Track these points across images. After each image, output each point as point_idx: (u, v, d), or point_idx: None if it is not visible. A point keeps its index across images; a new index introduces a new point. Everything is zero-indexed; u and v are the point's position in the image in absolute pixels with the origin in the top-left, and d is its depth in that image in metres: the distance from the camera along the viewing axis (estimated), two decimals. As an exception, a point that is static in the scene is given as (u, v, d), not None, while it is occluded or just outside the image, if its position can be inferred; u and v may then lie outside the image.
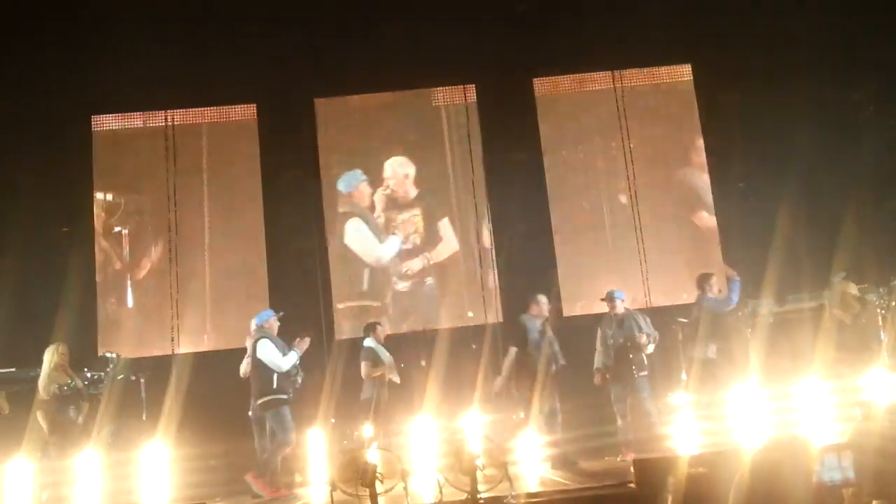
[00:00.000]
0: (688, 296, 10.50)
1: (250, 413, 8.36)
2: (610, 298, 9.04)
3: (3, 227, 10.11)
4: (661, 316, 10.54)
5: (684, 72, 11.62)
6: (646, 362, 8.81)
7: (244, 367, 8.37)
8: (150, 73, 10.50)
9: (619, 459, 8.51)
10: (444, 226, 11.43)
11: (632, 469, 6.05)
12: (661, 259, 11.17)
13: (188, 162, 11.25)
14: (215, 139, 11.41)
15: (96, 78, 10.50)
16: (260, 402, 8.11)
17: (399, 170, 11.50)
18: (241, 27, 10.59)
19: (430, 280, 11.26)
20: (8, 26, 10.07)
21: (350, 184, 11.41)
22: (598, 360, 8.95)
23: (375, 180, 11.53)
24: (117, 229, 11.21)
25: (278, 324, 8.52)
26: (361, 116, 11.64)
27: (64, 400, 7.91)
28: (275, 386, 8.12)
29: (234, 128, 11.48)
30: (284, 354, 8.24)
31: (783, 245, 9.75)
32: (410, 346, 10.50)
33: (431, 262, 11.30)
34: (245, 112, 11.48)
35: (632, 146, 11.37)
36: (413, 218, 11.40)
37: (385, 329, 9.50)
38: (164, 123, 11.30)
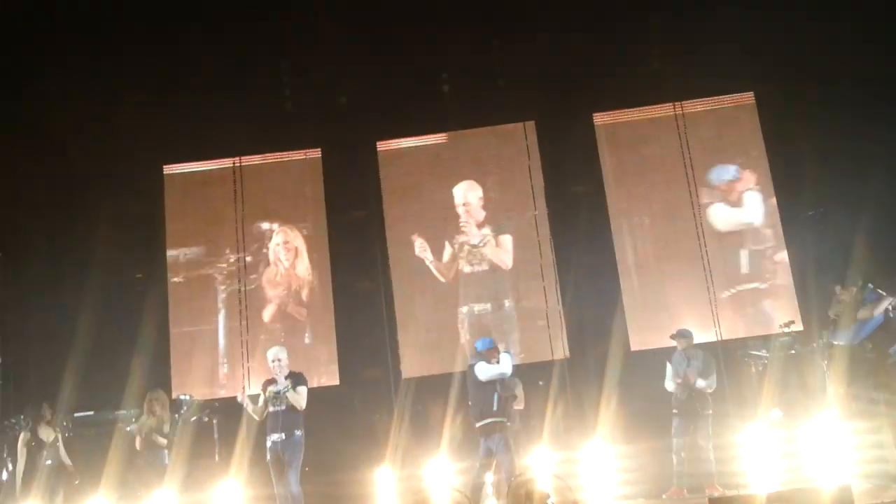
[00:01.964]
0: (760, 327, 10.33)
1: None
2: (680, 336, 9.04)
3: (81, 274, 10.47)
4: (733, 350, 10.35)
5: (747, 99, 11.46)
6: (710, 401, 8.76)
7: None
8: (219, 121, 10.84)
9: (664, 497, 8.50)
10: (508, 241, 11.46)
11: (708, 506, 5.91)
12: (729, 290, 10.95)
13: (255, 204, 11.53)
14: (280, 182, 11.68)
15: (167, 127, 10.89)
16: (485, 422, 8.20)
17: (470, 193, 11.57)
18: (306, 74, 10.87)
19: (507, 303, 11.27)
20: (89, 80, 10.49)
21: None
22: (670, 385, 8.98)
23: (441, 216, 11.62)
24: (187, 274, 11.49)
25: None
26: (421, 156, 11.77)
27: (149, 444, 8.33)
28: (495, 408, 8.24)
29: (299, 170, 11.73)
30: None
31: (856, 275, 9.49)
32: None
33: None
34: (309, 155, 11.74)
35: (696, 175, 11.23)
36: (485, 239, 11.43)
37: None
38: (231, 167, 11.60)
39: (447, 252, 11.42)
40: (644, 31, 10.74)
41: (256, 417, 7.97)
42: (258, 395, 8.01)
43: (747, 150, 11.38)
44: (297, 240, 11.59)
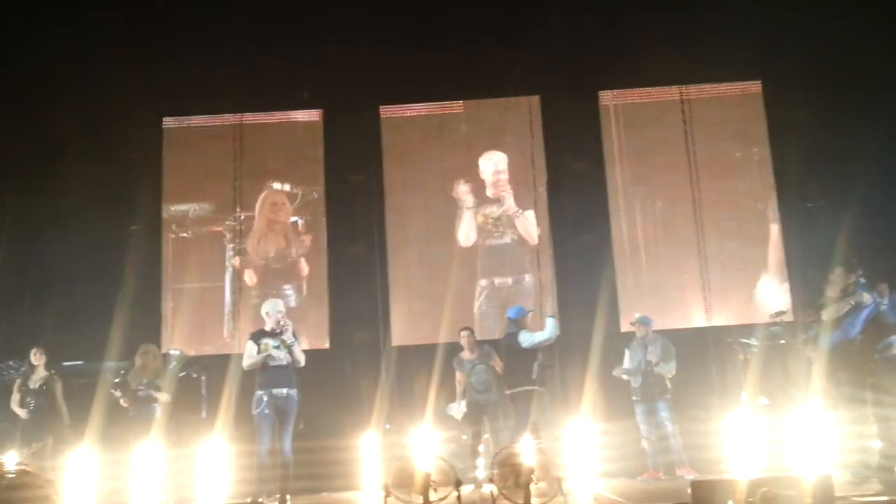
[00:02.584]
0: (750, 315, 10.37)
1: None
2: (640, 323, 9.30)
3: (73, 225, 10.42)
4: (723, 336, 10.39)
5: (754, 88, 11.39)
6: (668, 386, 9.01)
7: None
8: (221, 77, 10.74)
9: (639, 479, 8.71)
10: (530, 216, 11.41)
11: (689, 490, 5.94)
12: (723, 277, 10.97)
13: (254, 163, 11.46)
14: (281, 141, 11.60)
15: (169, 81, 10.78)
16: (517, 390, 8.32)
17: (498, 164, 11.51)
18: (317, 35, 10.76)
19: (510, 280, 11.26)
20: (86, 28, 10.36)
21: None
22: (619, 371, 9.27)
23: (439, 188, 11.54)
24: (183, 233, 11.44)
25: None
26: (424, 124, 11.70)
27: (139, 398, 8.32)
28: (534, 376, 8.34)
29: (301, 131, 11.66)
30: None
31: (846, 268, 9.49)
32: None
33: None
34: (311, 116, 11.65)
35: (697, 161, 11.20)
36: (506, 213, 11.38)
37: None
38: (232, 124, 11.52)
39: (467, 222, 11.39)
40: (656, 11, 10.63)
41: (246, 364, 7.68)
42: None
43: (750, 138, 11.34)
44: (294, 200, 11.54)
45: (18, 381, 9.03)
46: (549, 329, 8.49)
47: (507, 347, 8.64)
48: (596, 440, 8.42)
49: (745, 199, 11.26)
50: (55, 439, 8.69)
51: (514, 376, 8.44)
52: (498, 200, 11.43)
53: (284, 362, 7.64)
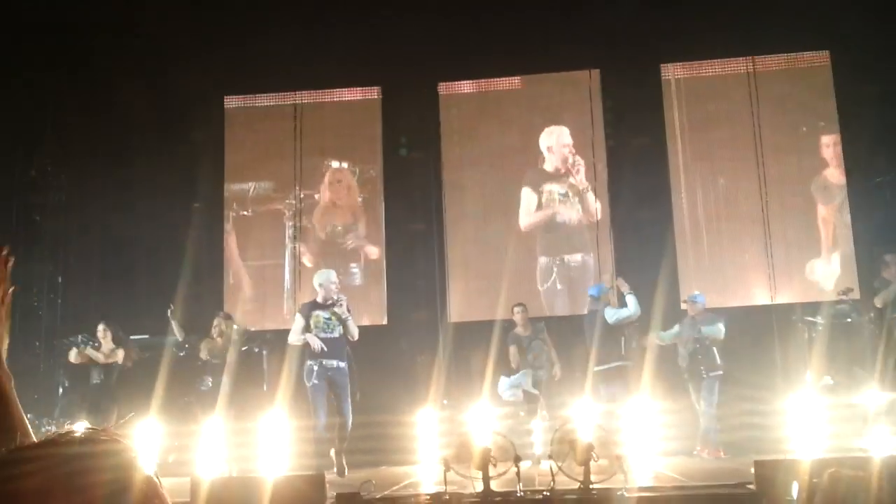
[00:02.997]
0: (816, 293, 10.13)
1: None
2: (691, 301, 9.18)
3: (138, 203, 10.65)
4: (787, 314, 10.17)
5: (822, 59, 11.02)
6: (718, 362, 8.80)
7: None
8: (280, 55, 10.80)
9: (693, 453, 8.65)
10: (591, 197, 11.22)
11: (752, 470, 5.87)
12: (788, 254, 10.71)
13: (313, 142, 11.53)
14: (339, 119, 11.65)
15: (229, 59, 10.89)
16: (608, 366, 8.50)
17: (562, 139, 11.31)
18: (372, 9, 10.73)
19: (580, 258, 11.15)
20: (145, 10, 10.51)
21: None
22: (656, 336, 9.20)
23: (497, 165, 11.46)
24: (244, 211, 11.60)
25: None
26: (482, 100, 11.63)
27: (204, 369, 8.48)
28: (623, 352, 8.48)
29: (359, 108, 11.69)
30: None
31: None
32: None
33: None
34: (369, 94, 11.67)
35: (762, 135, 10.90)
36: (572, 188, 11.23)
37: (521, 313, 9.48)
38: (292, 103, 11.61)
39: (530, 199, 11.25)
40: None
41: (293, 339, 7.73)
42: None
43: (818, 111, 10.99)
44: (353, 178, 11.60)
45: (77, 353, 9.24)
46: (632, 305, 8.55)
47: (592, 324, 8.66)
48: (656, 418, 8.38)
49: (812, 175, 10.93)
50: (121, 411, 8.94)
51: (605, 352, 8.46)
52: (565, 175, 11.28)
53: (336, 334, 7.56)
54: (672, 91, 11.18)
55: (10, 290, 1.44)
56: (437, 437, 8.56)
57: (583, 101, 11.26)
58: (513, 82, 11.56)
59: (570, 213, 11.17)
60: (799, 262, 10.68)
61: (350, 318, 7.69)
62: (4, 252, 1.42)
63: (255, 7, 10.65)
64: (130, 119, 10.85)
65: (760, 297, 10.57)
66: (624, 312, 8.63)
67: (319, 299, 7.68)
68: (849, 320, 9.66)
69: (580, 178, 11.17)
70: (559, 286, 10.97)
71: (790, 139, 10.97)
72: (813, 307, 9.91)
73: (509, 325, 9.54)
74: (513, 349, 9.20)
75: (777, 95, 10.97)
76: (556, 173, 11.27)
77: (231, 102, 11.71)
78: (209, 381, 8.72)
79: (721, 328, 8.89)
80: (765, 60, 11.06)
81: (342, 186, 11.57)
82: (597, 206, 11.09)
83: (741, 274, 10.76)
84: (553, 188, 11.23)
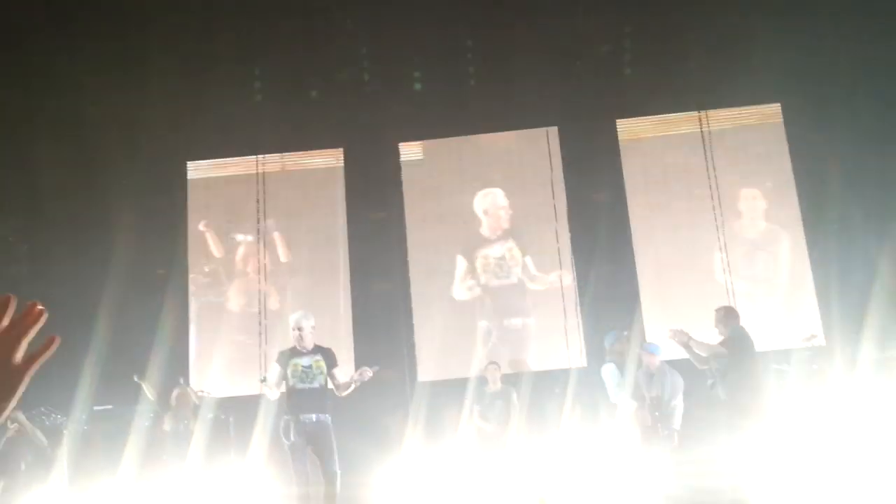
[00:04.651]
0: (781, 341, 10.23)
1: None
2: (646, 352, 8.75)
3: (101, 269, 10.55)
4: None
5: (773, 111, 11.33)
6: (674, 419, 8.48)
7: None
8: (243, 119, 10.89)
9: None
10: (529, 262, 11.30)
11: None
12: (753, 303, 10.82)
13: (278, 205, 11.56)
14: (303, 183, 11.70)
15: (192, 124, 10.96)
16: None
17: (496, 201, 11.43)
18: (330, 74, 10.88)
19: (520, 322, 11.15)
20: (111, 72, 10.57)
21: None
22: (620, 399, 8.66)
23: (465, 220, 11.55)
24: (208, 270, 11.54)
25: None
26: (442, 159, 11.75)
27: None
28: None
29: (322, 172, 11.76)
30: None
31: (883, 289, 9.36)
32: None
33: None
34: (332, 156, 11.76)
35: (719, 187, 11.11)
36: (510, 252, 11.30)
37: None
38: (254, 170, 11.65)
39: (461, 267, 11.31)
40: (669, 36, 10.64)
41: (270, 394, 7.03)
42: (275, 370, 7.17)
43: (772, 160, 11.24)
44: (319, 239, 11.60)
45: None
46: (611, 379, 8.36)
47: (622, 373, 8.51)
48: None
49: (771, 224, 11.14)
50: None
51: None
52: (502, 238, 11.35)
53: (316, 384, 6.92)
54: (627, 145, 11.39)
55: (46, 352, 1.31)
56: (407, 497, 8.45)
57: (542, 158, 11.43)
58: (471, 140, 11.69)
59: (509, 277, 11.20)
60: (763, 311, 10.78)
61: (321, 366, 7.02)
62: (37, 308, 1.28)
63: (217, 73, 10.76)
64: (91, 181, 10.81)
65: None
66: (613, 390, 8.39)
67: (299, 346, 7.01)
68: (815, 367, 9.73)
69: (495, 243, 11.24)
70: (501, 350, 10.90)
71: (747, 189, 11.19)
72: (779, 355, 9.98)
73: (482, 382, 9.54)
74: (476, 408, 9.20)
75: (731, 146, 11.23)
76: (493, 237, 11.35)
77: (195, 167, 11.73)
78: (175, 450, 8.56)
79: (681, 404, 8.54)
80: (718, 115, 11.33)
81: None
82: (560, 264, 11.17)
83: (706, 324, 10.82)
84: (489, 253, 11.28)
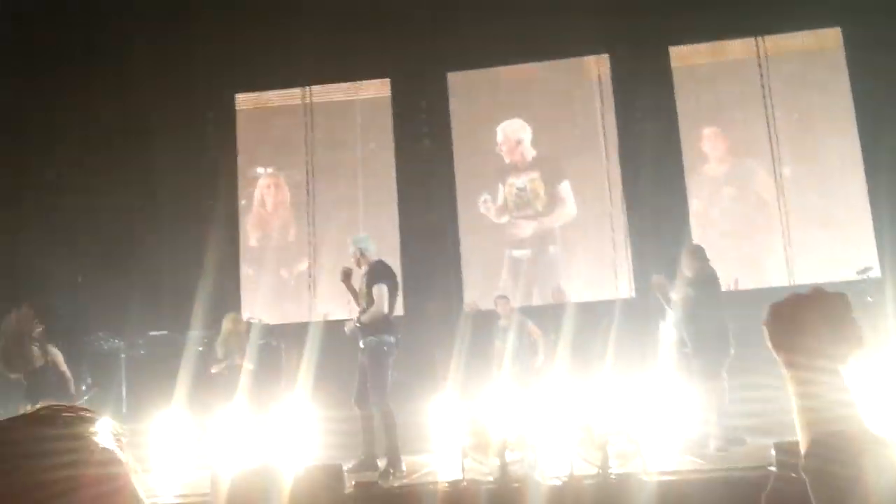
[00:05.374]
0: (834, 272, 10.04)
1: None
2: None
3: (152, 203, 10.72)
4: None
5: (833, 36, 10.90)
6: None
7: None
8: (290, 50, 10.83)
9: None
10: (565, 189, 11.20)
11: (773, 451, 5.82)
12: (805, 234, 10.62)
13: (325, 135, 11.56)
14: (351, 113, 11.67)
15: (239, 56, 10.94)
16: None
17: (512, 134, 11.33)
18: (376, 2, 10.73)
19: (552, 248, 11.11)
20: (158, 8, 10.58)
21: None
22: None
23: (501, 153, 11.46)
24: (259, 201, 11.65)
25: None
26: (492, 88, 11.60)
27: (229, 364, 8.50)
28: None
29: (370, 102, 11.69)
30: None
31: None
32: (540, 318, 10.44)
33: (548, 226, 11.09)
34: (380, 87, 11.67)
35: (776, 115, 10.81)
36: (531, 183, 11.22)
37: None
38: (301, 101, 11.63)
39: (500, 195, 11.29)
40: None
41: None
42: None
43: (830, 88, 10.87)
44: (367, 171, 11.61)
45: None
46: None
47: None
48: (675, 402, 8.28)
49: (827, 153, 10.82)
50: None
51: None
52: (526, 168, 11.26)
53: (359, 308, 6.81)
54: (682, 75, 11.09)
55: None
56: (454, 425, 8.55)
57: (591, 87, 11.21)
58: (518, 70, 11.50)
59: (525, 208, 11.15)
60: (819, 241, 10.58)
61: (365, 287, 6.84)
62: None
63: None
64: (146, 117, 10.91)
65: (777, 277, 10.48)
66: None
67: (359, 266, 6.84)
68: (869, 299, 9.55)
69: (520, 174, 11.22)
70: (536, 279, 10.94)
71: (804, 119, 10.86)
72: (832, 287, 9.79)
73: (525, 311, 9.54)
74: (496, 343, 9.17)
75: (788, 73, 10.88)
76: (514, 167, 11.24)
77: (242, 100, 11.75)
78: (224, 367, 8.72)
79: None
80: (774, 41, 10.95)
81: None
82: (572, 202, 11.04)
83: (757, 255, 10.68)
84: (514, 182, 11.22)
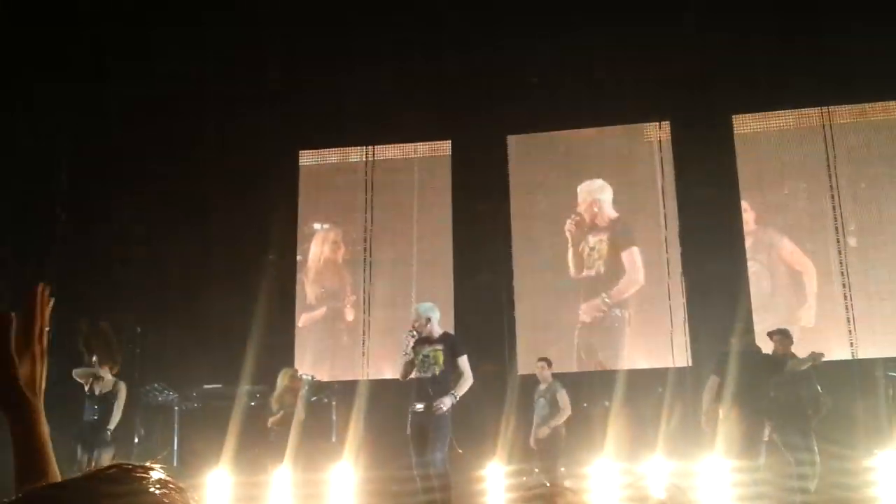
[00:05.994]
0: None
1: None
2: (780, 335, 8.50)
3: (213, 256, 10.92)
4: (871, 368, 9.77)
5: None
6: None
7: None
8: (354, 109, 11.08)
9: None
10: (633, 254, 11.12)
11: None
12: (870, 306, 10.33)
13: (383, 193, 11.71)
14: (410, 173, 11.81)
15: (303, 114, 11.22)
16: None
17: (588, 195, 11.33)
18: (439, 66, 10.92)
19: (616, 312, 10.99)
20: (221, 64, 10.92)
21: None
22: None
23: (564, 217, 11.45)
24: (315, 257, 11.80)
25: None
26: (551, 152, 11.66)
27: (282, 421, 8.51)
28: None
29: (429, 162, 11.84)
30: None
31: None
32: (595, 385, 10.31)
33: (610, 300, 11.00)
34: (440, 147, 11.82)
35: (840, 186, 10.63)
36: (600, 243, 11.18)
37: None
38: (361, 159, 11.84)
39: (569, 253, 11.27)
40: (787, 31, 10.23)
41: (400, 376, 6.99)
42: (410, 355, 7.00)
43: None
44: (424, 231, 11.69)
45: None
46: None
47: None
48: (729, 477, 8.05)
49: (892, 225, 10.59)
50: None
51: None
52: (597, 228, 11.24)
53: (428, 374, 6.84)
54: (745, 142, 11.01)
55: (47, 329, 1.42)
56: (503, 491, 8.41)
57: (652, 153, 11.20)
58: (580, 134, 11.56)
59: (590, 269, 11.10)
60: (883, 314, 10.29)
61: (438, 354, 6.91)
62: (46, 292, 1.41)
63: (329, 64, 10.97)
64: (208, 169, 11.20)
65: (839, 351, 10.18)
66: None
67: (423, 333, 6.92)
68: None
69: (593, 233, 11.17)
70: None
71: (870, 190, 10.66)
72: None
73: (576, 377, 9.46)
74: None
75: (852, 145, 10.72)
76: (592, 226, 11.22)
77: (305, 156, 12.01)
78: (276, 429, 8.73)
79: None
80: (839, 111, 10.83)
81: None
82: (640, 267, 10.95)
83: (820, 326, 10.41)
84: (584, 243, 11.19)
